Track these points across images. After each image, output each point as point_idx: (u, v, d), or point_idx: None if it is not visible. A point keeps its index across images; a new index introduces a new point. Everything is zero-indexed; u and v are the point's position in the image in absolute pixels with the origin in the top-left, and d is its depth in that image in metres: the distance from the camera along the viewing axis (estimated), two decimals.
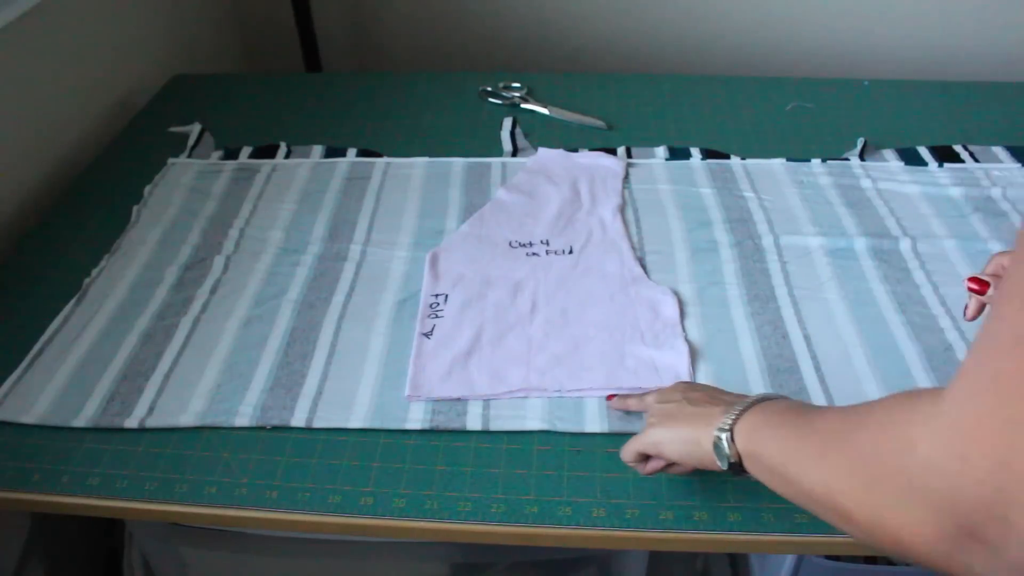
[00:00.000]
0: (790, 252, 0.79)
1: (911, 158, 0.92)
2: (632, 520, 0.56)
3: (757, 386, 0.65)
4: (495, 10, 1.35)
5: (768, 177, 0.90)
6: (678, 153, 0.94)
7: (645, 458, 0.57)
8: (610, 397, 0.65)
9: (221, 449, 0.62)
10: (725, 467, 0.50)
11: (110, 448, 0.62)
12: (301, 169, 0.92)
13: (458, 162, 0.93)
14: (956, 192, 0.86)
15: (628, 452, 0.57)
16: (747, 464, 0.49)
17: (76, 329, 0.71)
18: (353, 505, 0.58)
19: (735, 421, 0.50)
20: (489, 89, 1.07)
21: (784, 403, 0.50)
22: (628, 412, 0.63)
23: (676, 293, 0.74)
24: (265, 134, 0.99)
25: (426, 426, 0.63)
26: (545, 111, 1.03)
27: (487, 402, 0.64)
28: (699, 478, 0.58)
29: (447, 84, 1.10)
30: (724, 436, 0.50)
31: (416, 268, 0.78)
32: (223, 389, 0.66)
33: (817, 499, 0.42)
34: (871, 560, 0.74)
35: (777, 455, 0.46)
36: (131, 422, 0.63)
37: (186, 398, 0.65)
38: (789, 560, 0.68)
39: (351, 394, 0.65)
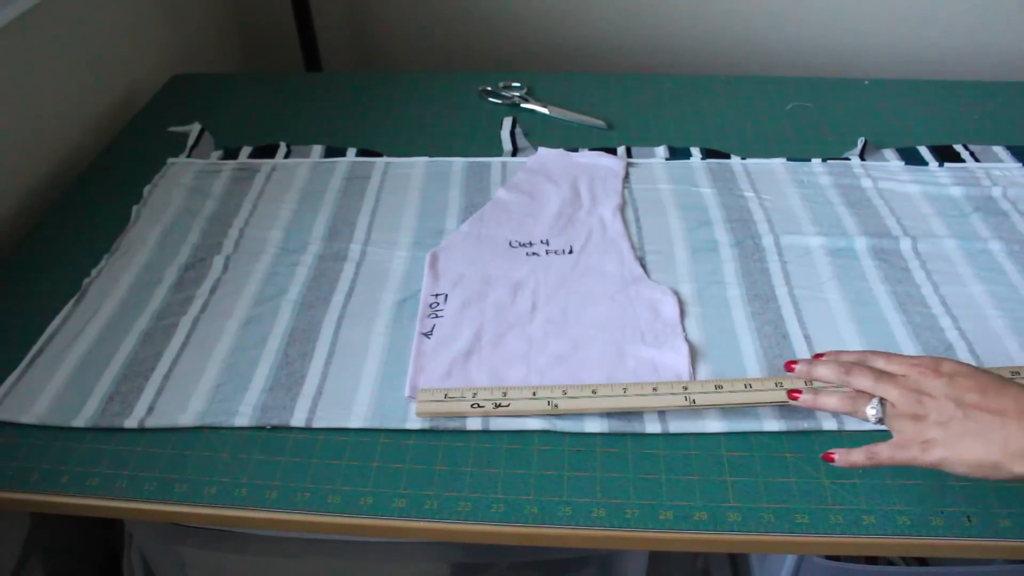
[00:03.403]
0: (790, 252, 0.79)
1: (911, 158, 0.92)
2: (632, 520, 0.56)
3: None
4: (495, 10, 1.35)
5: (768, 177, 0.90)
6: (678, 153, 0.94)
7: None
8: (794, 394, 0.56)
9: (221, 449, 0.61)
10: None
11: (110, 448, 0.62)
12: (301, 169, 0.92)
13: (458, 162, 0.93)
14: (957, 192, 0.86)
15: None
16: None
17: (76, 329, 0.71)
18: (353, 505, 0.58)
19: None
20: (489, 89, 1.07)
21: None
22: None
23: (676, 293, 0.74)
24: (265, 134, 0.99)
25: (426, 426, 0.63)
26: (545, 111, 1.02)
27: None
28: (699, 478, 0.58)
29: (447, 84, 1.09)
30: None
31: (416, 268, 0.78)
32: (223, 389, 0.66)
33: None
34: (872, 560, 0.74)
35: None
36: (131, 422, 0.63)
37: (186, 398, 0.65)
38: (789, 560, 0.68)
39: (351, 394, 0.65)
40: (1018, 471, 0.46)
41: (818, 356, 0.58)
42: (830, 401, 0.55)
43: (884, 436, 0.60)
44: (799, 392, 0.56)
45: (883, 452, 0.51)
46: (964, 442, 0.48)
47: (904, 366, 0.53)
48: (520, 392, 0.64)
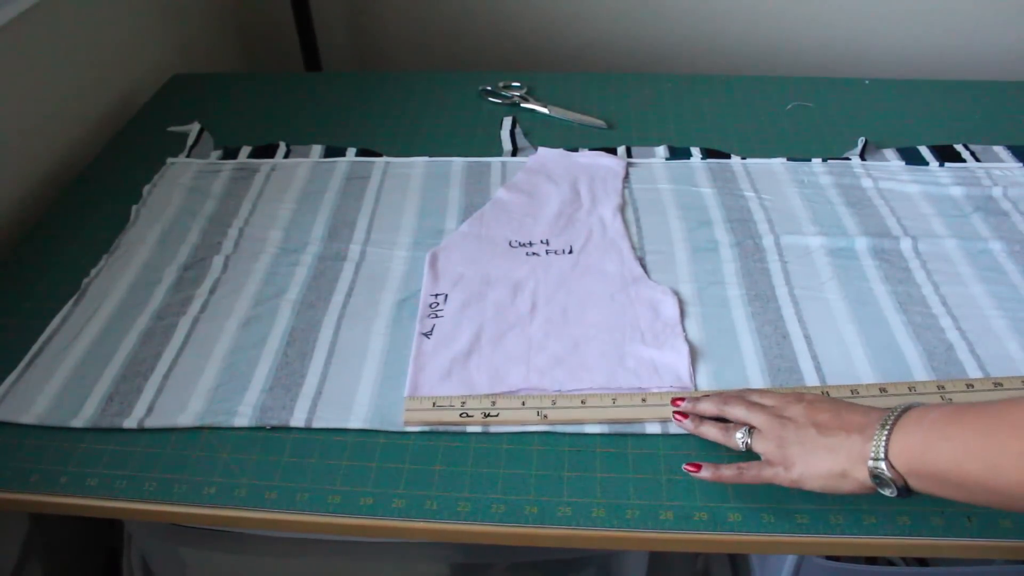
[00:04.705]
0: (790, 252, 0.79)
1: (912, 157, 0.92)
2: (632, 520, 0.56)
3: (757, 386, 0.65)
4: (495, 10, 1.35)
5: (768, 177, 0.90)
6: (678, 153, 0.94)
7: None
8: (680, 417, 0.61)
9: (220, 449, 0.61)
10: (893, 495, 0.50)
11: (109, 448, 0.61)
12: (300, 169, 0.92)
13: (458, 162, 0.93)
14: (957, 191, 0.86)
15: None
16: (915, 483, 0.49)
17: (75, 329, 0.71)
18: (352, 505, 0.58)
19: (886, 447, 0.50)
20: (489, 89, 1.06)
21: (932, 412, 0.50)
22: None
23: (676, 293, 0.74)
24: (264, 134, 0.99)
25: (425, 427, 0.63)
26: (545, 111, 1.02)
27: None
28: (699, 478, 0.58)
29: (447, 84, 1.09)
30: (882, 465, 0.49)
31: (416, 268, 0.78)
32: (222, 389, 0.66)
33: None
34: (872, 560, 0.74)
35: (960, 464, 0.47)
36: (130, 422, 0.63)
37: (185, 398, 0.65)
38: (789, 560, 0.68)
39: (351, 394, 0.65)
40: (861, 477, 0.51)
41: (704, 396, 0.62)
42: (709, 431, 0.59)
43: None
44: (685, 416, 0.61)
45: (751, 469, 0.56)
46: (817, 456, 0.53)
47: (774, 398, 0.58)
48: (509, 401, 0.64)
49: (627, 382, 0.65)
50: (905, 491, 0.50)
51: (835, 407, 0.55)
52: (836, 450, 0.52)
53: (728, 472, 0.56)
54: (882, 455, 0.49)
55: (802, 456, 0.53)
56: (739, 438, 0.57)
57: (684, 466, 0.58)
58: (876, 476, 0.50)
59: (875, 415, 0.52)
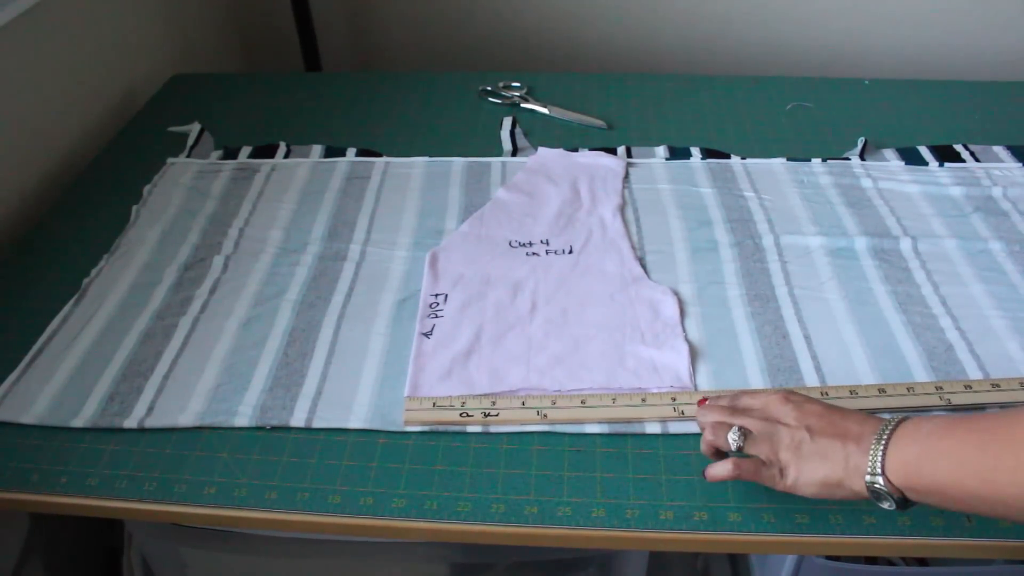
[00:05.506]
0: (790, 252, 0.79)
1: (912, 157, 0.92)
2: (632, 520, 0.56)
3: (757, 386, 0.65)
4: (495, 10, 1.35)
5: (768, 177, 0.90)
6: (678, 153, 0.94)
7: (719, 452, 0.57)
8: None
9: (220, 449, 0.61)
10: (891, 508, 0.50)
11: (109, 448, 0.61)
12: (301, 169, 0.92)
13: (458, 162, 0.93)
14: (957, 192, 0.86)
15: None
16: (913, 496, 0.49)
17: (75, 329, 0.71)
18: (352, 505, 0.58)
19: (883, 462, 0.49)
20: (489, 89, 1.07)
21: (925, 425, 0.50)
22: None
23: (676, 293, 0.74)
24: (265, 134, 0.99)
25: (425, 426, 0.63)
26: (545, 111, 1.02)
27: None
28: (699, 477, 0.58)
29: (447, 84, 1.09)
30: (880, 480, 0.49)
31: (416, 268, 0.78)
32: (222, 389, 0.66)
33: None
34: (871, 560, 0.74)
35: (957, 480, 0.47)
36: (130, 422, 0.63)
37: (185, 398, 0.65)
38: (789, 560, 0.68)
39: (351, 394, 0.65)
40: (857, 488, 0.50)
41: (702, 401, 0.61)
42: (703, 444, 0.57)
43: None
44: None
45: (748, 468, 0.54)
46: (812, 463, 0.52)
47: (759, 398, 0.57)
48: (509, 401, 0.64)
49: (627, 382, 0.65)
50: (903, 503, 0.50)
51: (825, 411, 0.54)
52: (830, 458, 0.51)
53: (722, 469, 0.55)
54: (879, 470, 0.49)
55: (795, 462, 0.52)
56: (732, 439, 0.55)
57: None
58: (874, 491, 0.50)
59: (868, 425, 0.52)
